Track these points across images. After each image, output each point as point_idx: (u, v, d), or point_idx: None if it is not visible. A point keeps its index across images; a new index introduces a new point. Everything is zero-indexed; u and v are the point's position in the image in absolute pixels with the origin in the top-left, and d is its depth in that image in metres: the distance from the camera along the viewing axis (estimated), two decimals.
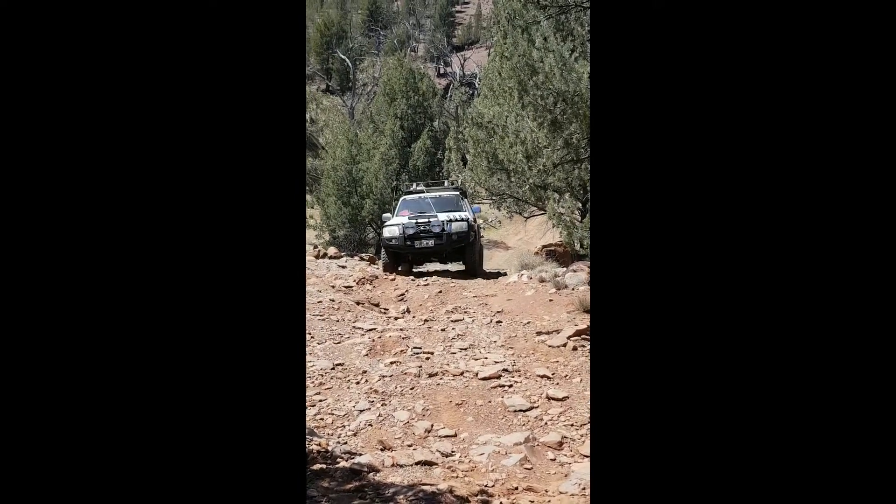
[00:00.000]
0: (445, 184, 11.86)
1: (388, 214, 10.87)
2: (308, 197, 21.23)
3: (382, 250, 10.06)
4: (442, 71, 43.76)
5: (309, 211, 20.52)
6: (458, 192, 10.83)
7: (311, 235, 16.74)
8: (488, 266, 10.85)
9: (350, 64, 31.67)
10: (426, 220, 9.49)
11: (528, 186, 8.28)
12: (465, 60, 40.89)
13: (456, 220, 9.41)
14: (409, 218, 9.61)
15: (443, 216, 9.58)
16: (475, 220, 10.25)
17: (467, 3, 60.67)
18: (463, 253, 9.75)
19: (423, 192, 11.08)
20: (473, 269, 9.72)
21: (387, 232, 9.76)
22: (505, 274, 10.09)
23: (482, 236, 15.28)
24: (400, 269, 10.00)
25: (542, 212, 10.60)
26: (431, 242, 9.35)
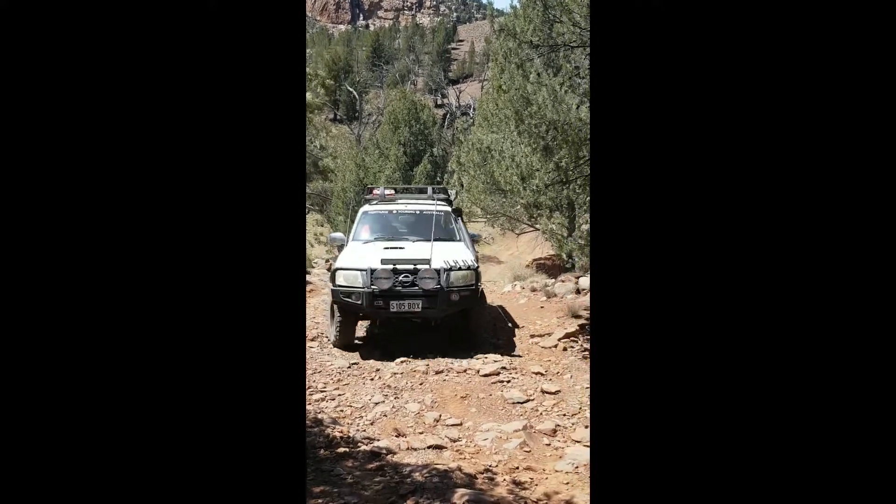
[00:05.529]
0: (429, 192, 6.99)
1: (338, 235, 6.31)
2: (318, 216, 21.38)
3: (333, 306, 5.53)
4: (439, 102, 44.17)
5: (319, 229, 20.65)
6: (448, 209, 6.51)
7: (321, 251, 16.84)
8: (483, 278, 10.71)
9: (357, 95, 31.97)
10: (410, 264, 5.18)
11: (520, 206, 8.37)
12: (460, 92, 41.27)
13: (459, 268, 5.25)
14: (384, 262, 5.15)
15: (438, 258, 5.28)
16: (476, 260, 5.88)
17: (461, 41, 61.38)
18: (466, 319, 5.52)
19: (394, 204, 6.63)
20: (472, 339, 5.59)
21: (341, 278, 5.27)
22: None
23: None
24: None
25: (533, 228, 10.78)
26: (418, 305, 5.16)
